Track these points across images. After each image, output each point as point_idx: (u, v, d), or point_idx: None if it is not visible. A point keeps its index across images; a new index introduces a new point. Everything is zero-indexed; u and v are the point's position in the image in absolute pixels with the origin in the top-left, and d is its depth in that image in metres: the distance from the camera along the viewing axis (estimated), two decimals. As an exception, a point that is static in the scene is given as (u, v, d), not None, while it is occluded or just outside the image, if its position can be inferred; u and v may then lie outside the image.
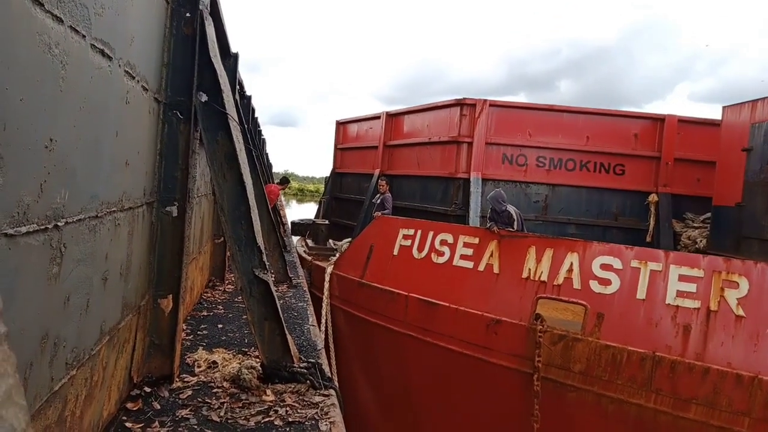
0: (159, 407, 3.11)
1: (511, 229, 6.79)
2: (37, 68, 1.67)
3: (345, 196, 13.32)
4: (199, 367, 3.85)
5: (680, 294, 5.53)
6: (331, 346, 8.91)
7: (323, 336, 8.88)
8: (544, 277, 6.23)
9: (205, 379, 3.62)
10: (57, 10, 1.75)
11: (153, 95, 3.12)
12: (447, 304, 6.84)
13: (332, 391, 3.58)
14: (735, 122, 7.77)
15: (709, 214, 8.83)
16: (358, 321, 8.31)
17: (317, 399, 3.42)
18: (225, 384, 3.54)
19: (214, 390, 3.45)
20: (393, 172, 10.79)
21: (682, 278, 5.55)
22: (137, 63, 2.71)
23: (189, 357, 4.02)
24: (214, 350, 4.24)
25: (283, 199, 18.58)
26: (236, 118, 4.05)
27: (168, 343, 3.43)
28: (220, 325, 5.15)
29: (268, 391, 3.43)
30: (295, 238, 14.59)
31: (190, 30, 3.40)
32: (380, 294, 7.76)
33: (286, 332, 3.70)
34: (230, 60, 6.58)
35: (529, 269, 6.35)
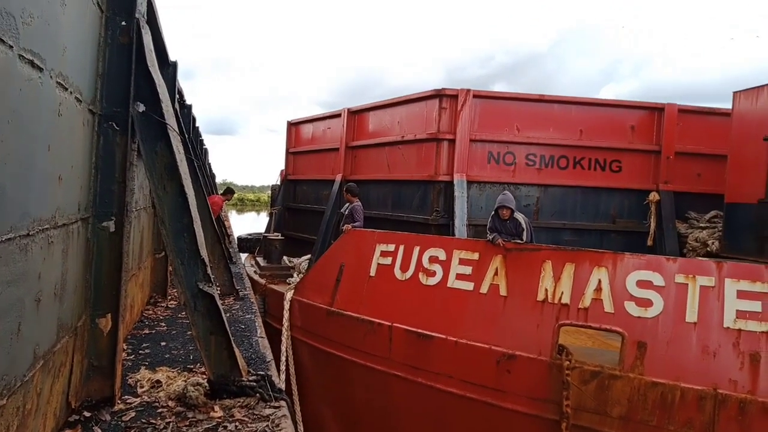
0: (100, 432, 3.06)
1: (519, 241, 5.67)
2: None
3: (301, 206, 11.92)
4: (142, 387, 3.79)
5: (741, 315, 4.56)
6: (294, 389, 7.50)
7: (284, 377, 7.48)
8: (565, 299, 5.13)
9: (149, 400, 3.57)
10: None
11: (87, 107, 3.08)
12: (443, 336, 5.64)
13: (283, 403, 3.58)
14: (751, 109, 7.01)
15: (714, 212, 8.08)
16: (327, 358, 6.97)
17: (268, 411, 3.43)
18: (170, 403, 3.50)
19: (159, 410, 3.41)
20: (358, 177, 9.53)
21: (743, 295, 4.59)
22: (70, 74, 2.67)
23: (131, 377, 3.95)
24: (157, 369, 4.17)
25: (226, 209, 17.65)
26: (176, 128, 3.97)
27: (108, 364, 3.38)
28: (163, 343, 5.06)
29: (216, 407, 3.42)
30: (243, 256, 13.04)
31: (126, 39, 3.36)
32: (355, 325, 6.47)
33: (234, 346, 3.67)
34: (169, 69, 6.55)
35: (546, 290, 5.24)
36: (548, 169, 8.17)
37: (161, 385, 3.80)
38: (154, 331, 5.51)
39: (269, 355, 4.89)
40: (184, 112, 10.17)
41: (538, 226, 7.82)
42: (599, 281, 5.06)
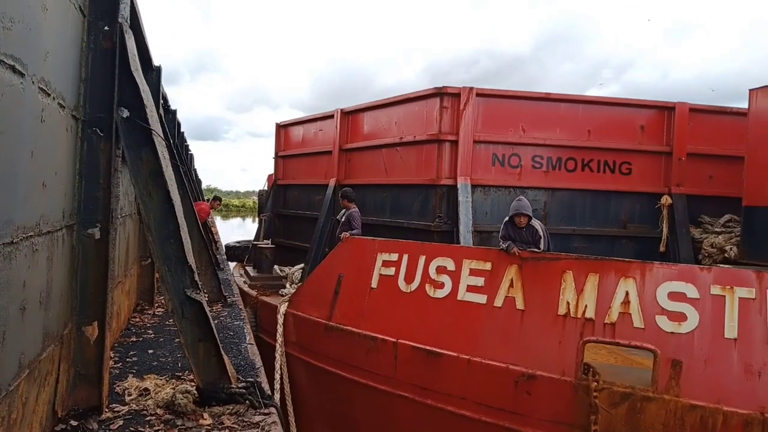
0: (87, 441, 3.05)
1: (536, 250, 5.25)
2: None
3: (292, 213, 11.42)
4: (129, 395, 3.76)
5: (787, 330, 4.16)
6: (290, 409, 7.01)
7: (278, 396, 6.98)
8: (589, 313, 4.72)
9: (137, 408, 3.56)
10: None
11: (70, 112, 3.07)
12: (454, 354, 5.21)
13: (273, 410, 3.57)
14: (770, 107, 6.68)
15: (729, 216, 7.75)
16: (325, 376, 6.50)
17: (258, 418, 3.43)
18: (159, 411, 3.49)
19: (148, 418, 3.40)
20: (353, 182, 9.07)
21: (788, 308, 4.19)
22: (52, 79, 2.66)
23: (118, 385, 3.93)
24: (145, 377, 4.15)
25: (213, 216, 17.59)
26: (161, 134, 3.91)
27: (95, 372, 3.35)
28: (150, 351, 5.02)
29: (206, 415, 3.41)
30: (231, 265, 12.51)
31: (109, 44, 3.36)
32: (356, 341, 6.02)
33: (222, 353, 3.65)
34: (153, 74, 6.51)
35: (568, 303, 4.83)
36: (555, 171, 7.79)
37: (149, 393, 3.78)
38: (141, 339, 5.45)
39: (258, 362, 4.86)
40: (169, 117, 10.17)
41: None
42: (627, 293, 4.66)
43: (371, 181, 8.83)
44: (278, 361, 7.10)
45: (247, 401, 3.55)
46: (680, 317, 4.45)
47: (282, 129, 12.07)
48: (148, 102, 3.64)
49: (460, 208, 7.17)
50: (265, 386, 3.99)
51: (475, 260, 5.42)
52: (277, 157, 12.22)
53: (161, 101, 7.20)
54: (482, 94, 7.44)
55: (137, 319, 6.30)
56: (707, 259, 7.53)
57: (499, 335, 5.06)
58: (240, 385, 3.67)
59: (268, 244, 11.10)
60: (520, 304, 5.04)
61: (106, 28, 3.35)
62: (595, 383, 4.47)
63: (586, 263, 4.90)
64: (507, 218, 5.56)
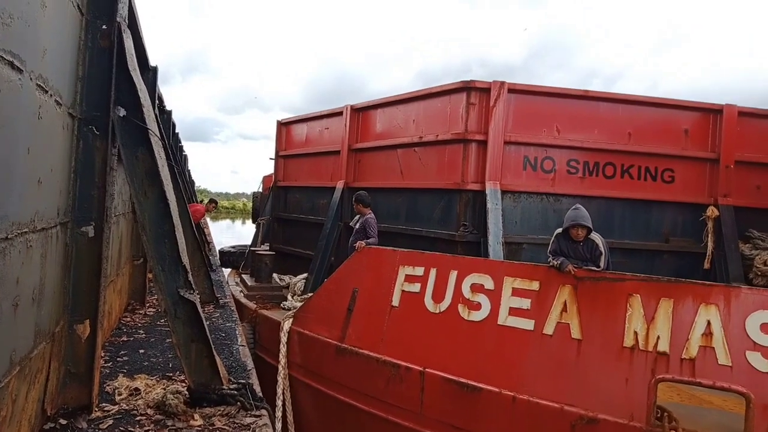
0: (77, 439, 3.11)
1: (594, 268, 4.52)
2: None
3: (293, 217, 10.64)
4: (120, 395, 3.77)
5: None
6: (294, 440, 6.23)
7: (280, 425, 6.21)
8: (662, 346, 4.01)
9: (127, 407, 3.57)
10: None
11: (67, 110, 3.09)
12: (495, 389, 4.47)
13: (264, 412, 3.58)
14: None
15: (784, 232, 7.08)
16: (336, 406, 5.74)
17: (248, 420, 3.45)
18: (149, 411, 3.50)
19: (138, 418, 3.42)
20: (363, 184, 8.32)
21: None
22: (50, 76, 2.68)
23: (109, 385, 3.94)
24: (135, 376, 4.17)
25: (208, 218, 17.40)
26: (157, 133, 3.92)
27: (86, 371, 3.37)
28: (141, 350, 5.06)
29: (196, 416, 3.42)
30: (226, 271, 11.72)
31: (107, 42, 3.38)
32: (375, 367, 5.28)
33: (215, 354, 3.68)
34: (149, 73, 6.53)
35: (636, 333, 4.11)
36: (592, 177, 7.08)
37: (140, 393, 3.80)
38: (132, 339, 5.47)
39: (250, 364, 4.90)
40: (164, 118, 10.08)
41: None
42: (708, 323, 3.95)
43: (384, 184, 8.09)
44: (281, 385, 6.32)
45: (239, 403, 3.56)
46: (777, 354, 3.73)
47: (284, 127, 11.32)
48: (145, 101, 3.64)
49: (489, 217, 6.44)
50: (257, 388, 4.06)
51: (519, 278, 4.69)
52: (277, 156, 11.46)
53: (157, 101, 7.20)
54: (514, 90, 6.73)
55: (128, 319, 6.29)
56: (760, 278, 6.85)
57: (551, 369, 4.33)
58: (231, 387, 3.69)
59: (267, 250, 10.32)
60: (575, 333, 4.31)
61: (104, 26, 3.37)
62: (672, 430, 3.75)
63: (657, 286, 4.18)
64: (560, 230, 4.84)
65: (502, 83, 6.66)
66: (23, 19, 2.26)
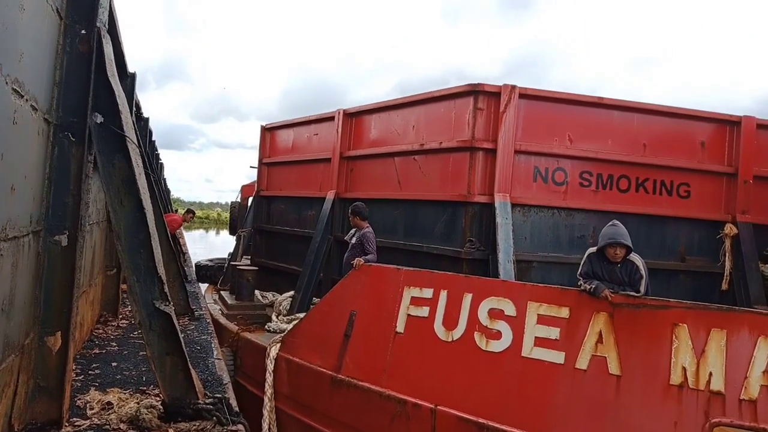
0: (45, 456, 3.09)
1: (632, 293, 4.03)
2: None
3: (277, 229, 10.02)
4: (91, 409, 3.72)
5: None
6: (281, 482, 5.60)
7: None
8: (716, 385, 3.54)
9: (99, 422, 3.53)
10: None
11: (43, 115, 3.07)
12: (520, 432, 3.90)
13: (241, 427, 3.57)
14: None
15: (803, 251, 6.74)
16: (331, 444, 5.12)
17: None
18: (122, 426, 3.47)
19: None
20: (356, 195, 7.78)
21: None
22: (26, 80, 2.66)
23: (80, 399, 3.87)
24: (108, 390, 4.11)
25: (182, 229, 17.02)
26: (135, 141, 3.92)
27: (56, 384, 3.32)
28: (114, 363, 4.98)
29: (171, 431, 3.39)
30: (203, 287, 11.02)
31: (86, 48, 3.38)
32: (376, 403, 4.72)
33: (190, 367, 3.67)
34: (128, 80, 6.53)
35: (684, 368, 3.64)
36: (606, 191, 6.66)
37: (112, 407, 3.77)
38: (104, 351, 5.40)
39: (226, 378, 4.87)
40: (141, 125, 9.92)
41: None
42: (769, 359, 3.48)
43: (379, 195, 7.56)
44: (266, 419, 5.70)
45: (215, 418, 3.51)
46: None
47: (268, 132, 10.72)
48: (123, 108, 3.61)
49: (499, 232, 5.95)
50: (233, 402, 4.00)
51: (545, 303, 4.19)
52: (261, 164, 10.85)
53: (134, 108, 7.16)
54: (525, 95, 6.28)
55: (101, 331, 6.22)
56: (783, 301, 6.49)
57: (586, 409, 3.82)
58: (207, 401, 3.64)
59: (248, 265, 9.67)
60: (613, 368, 3.82)
61: (83, 31, 3.35)
62: (734, 487, 3.26)
63: (706, 314, 3.71)
64: (593, 249, 4.36)
65: (513, 87, 6.21)
66: (1, 22, 2.24)
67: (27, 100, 2.71)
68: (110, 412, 3.68)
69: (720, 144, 7.04)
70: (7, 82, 2.38)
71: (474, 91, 6.30)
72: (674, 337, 3.72)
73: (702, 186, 6.98)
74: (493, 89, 6.24)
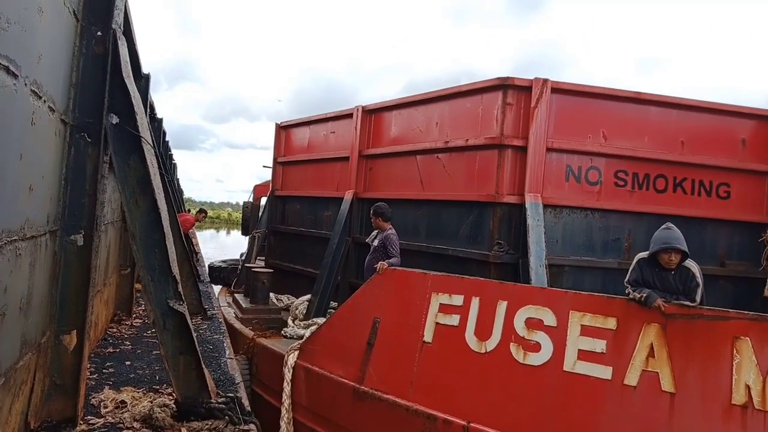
0: (60, 453, 3.09)
1: (688, 303, 3.72)
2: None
3: (293, 230, 9.77)
4: (105, 407, 3.76)
5: None
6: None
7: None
8: (786, 406, 3.18)
9: (112, 420, 3.55)
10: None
11: (60, 116, 3.12)
12: (562, 453, 3.60)
13: (253, 426, 3.59)
14: None
15: None
16: (353, 460, 4.85)
17: None
18: (135, 424, 3.49)
19: (124, 431, 3.42)
20: (375, 195, 7.51)
21: None
22: (44, 82, 2.70)
23: (94, 397, 3.92)
24: (122, 389, 4.15)
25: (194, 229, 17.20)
26: (150, 142, 3.94)
27: (71, 383, 3.38)
28: (128, 362, 5.02)
29: (184, 430, 3.41)
30: (216, 288, 10.82)
31: (101, 49, 3.42)
32: (403, 417, 4.44)
33: (203, 366, 3.68)
34: (142, 81, 6.53)
35: (748, 386, 3.33)
36: (642, 191, 6.32)
37: (126, 406, 3.79)
38: (118, 350, 5.45)
39: (238, 377, 4.91)
40: (155, 126, 9.94)
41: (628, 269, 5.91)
42: None
43: (400, 195, 7.27)
44: (284, 431, 5.44)
45: (227, 417, 3.52)
46: None
47: (283, 131, 10.48)
48: (138, 109, 3.64)
49: (530, 234, 5.64)
50: (245, 402, 4.05)
51: (589, 313, 3.88)
52: (275, 163, 10.61)
53: (148, 109, 7.19)
54: (558, 89, 5.97)
55: (115, 330, 6.27)
56: (832, 309, 6.11)
57: (636, 430, 3.50)
58: (220, 401, 3.65)
59: (263, 267, 9.44)
60: (667, 385, 3.51)
61: (99, 33, 3.40)
62: None
63: (772, 327, 3.39)
64: (644, 254, 4.05)
65: (545, 81, 5.90)
66: (20, 24, 2.27)
67: (45, 101, 2.75)
68: (124, 410, 3.73)
69: (762, 141, 6.67)
70: (26, 84, 2.42)
71: (503, 85, 5.99)
72: (735, 351, 3.40)
73: (743, 186, 6.62)
74: (524, 83, 5.93)
